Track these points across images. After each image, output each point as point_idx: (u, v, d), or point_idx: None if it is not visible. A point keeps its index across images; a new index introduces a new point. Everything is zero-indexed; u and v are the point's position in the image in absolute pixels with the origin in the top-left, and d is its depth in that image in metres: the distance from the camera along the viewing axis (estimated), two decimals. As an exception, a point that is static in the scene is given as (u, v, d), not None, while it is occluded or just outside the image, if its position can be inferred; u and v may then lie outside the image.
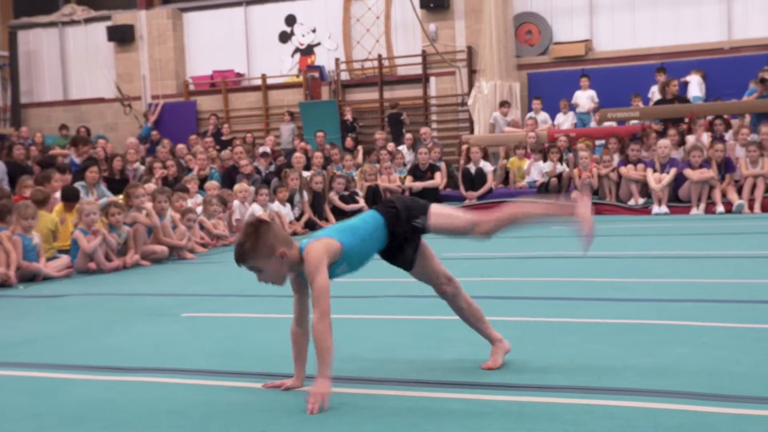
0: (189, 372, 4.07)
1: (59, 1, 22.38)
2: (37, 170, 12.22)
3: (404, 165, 15.15)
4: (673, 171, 12.73)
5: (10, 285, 7.79)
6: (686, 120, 14.29)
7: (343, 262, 3.64)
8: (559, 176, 13.72)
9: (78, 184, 11.43)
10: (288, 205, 12.36)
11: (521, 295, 6.02)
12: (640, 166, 13.10)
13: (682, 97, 15.27)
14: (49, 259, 8.70)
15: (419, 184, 14.09)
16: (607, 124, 15.30)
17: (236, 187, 12.51)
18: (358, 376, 3.83)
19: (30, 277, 8.17)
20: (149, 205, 9.61)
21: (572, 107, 16.87)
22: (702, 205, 12.44)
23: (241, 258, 3.50)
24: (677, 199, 12.86)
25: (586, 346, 4.29)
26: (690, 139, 13.65)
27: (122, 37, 21.15)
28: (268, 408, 3.40)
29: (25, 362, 4.47)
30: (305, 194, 12.91)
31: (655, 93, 15.99)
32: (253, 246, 3.47)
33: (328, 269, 3.52)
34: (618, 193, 13.32)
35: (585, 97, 16.82)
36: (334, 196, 13.53)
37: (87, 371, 4.20)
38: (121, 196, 10.05)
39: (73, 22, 22.05)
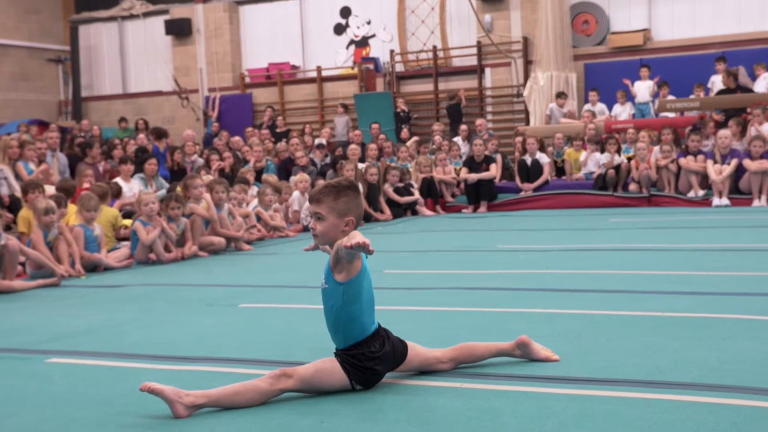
0: (247, 362, 4.11)
1: (119, -5, 22.75)
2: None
3: (460, 157, 15.09)
4: (734, 162, 12.49)
5: (76, 275, 7.95)
6: (748, 110, 14.00)
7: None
8: (617, 168, 13.55)
9: (137, 176, 11.64)
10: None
11: (580, 288, 5.96)
12: (700, 157, 12.88)
13: (744, 87, 14.95)
14: (109, 250, 8.87)
15: (474, 176, 14.03)
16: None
17: (296, 177, 12.58)
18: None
19: (91, 268, 8.33)
20: (207, 196, 9.72)
21: (630, 97, 16.62)
22: (764, 197, 12.20)
23: (316, 196, 3.51)
24: (738, 191, 12.61)
25: (646, 339, 4.23)
26: (753, 129, 13.37)
27: (180, 30, 21.40)
28: (324, 399, 3.42)
29: (88, 351, 4.56)
30: (360, 186, 12.92)
31: (715, 83, 15.69)
32: (335, 196, 3.47)
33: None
34: (677, 184, 13.11)
35: (644, 87, 16.56)
36: (388, 188, 13.53)
37: (148, 360, 4.27)
38: (178, 188, 10.17)
39: (132, 17, 22.38)
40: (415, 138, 16.86)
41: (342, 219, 3.48)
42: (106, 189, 9.79)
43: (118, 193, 10.95)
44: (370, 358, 3.47)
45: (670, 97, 15.70)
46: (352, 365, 3.46)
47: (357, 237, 3.24)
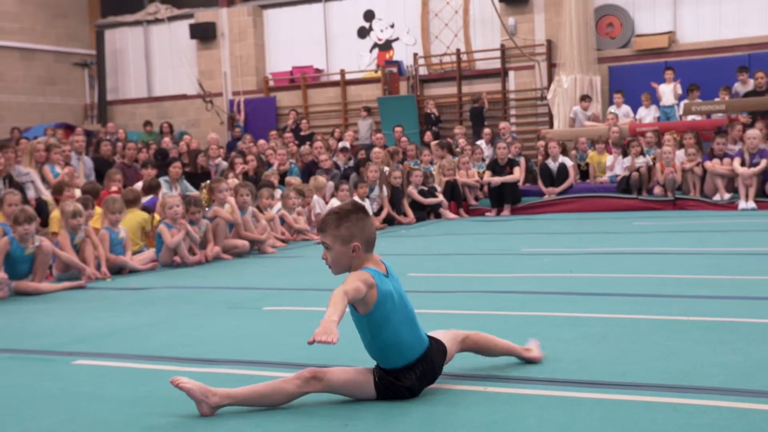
0: (271, 364, 4.12)
1: (144, 0, 22.89)
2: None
3: (483, 160, 15.07)
4: (763, 162, 12.37)
5: (102, 278, 8.01)
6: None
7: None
8: (639, 170, 13.45)
9: (162, 179, 11.71)
10: (367, 200, 12.41)
11: (604, 292, 5.93)
12: (726, 160, 12.77)
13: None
14: (135, 253, 8.93)
15: (498, 179, 13.99)
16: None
17: (313, 182, 12.57)
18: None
19: (116, 270, 8.39)
20: (231, 199, 9.76)
21: (655, 100, 16.51)
22: (792, 201, 12.08)
23: (321, 225, 3.53)
24: (765, 194, 12.49)
25: (671, 343, 4.21)
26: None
27: (204, 34, 21.51)
28: (347, 402, 3.42)
29: (113, 353, 4.59)
30: (384, 189, 12.94)
31: (738, 92, 15.50)
32: (336, 224, 3.46)
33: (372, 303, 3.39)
34: (702, 188, 13.00)
35: (669, 90, 16.44)
36: (412, 190, 13.53)
37: (172, 362, 4.29)
38: (204, 191, 10.20)
39: (157, 21, 22.51)
40: (436, 142, 16.83)
41: (347, 245, 3.46)
42: (138, 193, 9.86)
43: (156, 187, 11.07)
44: (401, 388, 3.44)
45: (696, 100, 15.58)
46: (385, 385, 3.43)
47: (321, 335, 3.08)
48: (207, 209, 9.63)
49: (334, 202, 11.85)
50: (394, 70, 19.99)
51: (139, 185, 11.12)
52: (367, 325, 3.43)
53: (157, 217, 9.73)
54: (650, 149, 13.84)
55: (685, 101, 15.65)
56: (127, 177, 12.17)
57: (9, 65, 21.15)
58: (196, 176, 12.81)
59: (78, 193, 9.80)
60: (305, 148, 15.32)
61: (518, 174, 14.24)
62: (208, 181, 10.42)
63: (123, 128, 19.89)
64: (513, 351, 3.89)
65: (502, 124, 16.65)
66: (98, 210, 9.13)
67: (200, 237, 9.18)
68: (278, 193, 11.94)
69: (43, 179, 10.98)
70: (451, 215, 13.64)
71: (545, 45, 18.41)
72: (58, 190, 9.26)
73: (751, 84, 15.26)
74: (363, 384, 3.43)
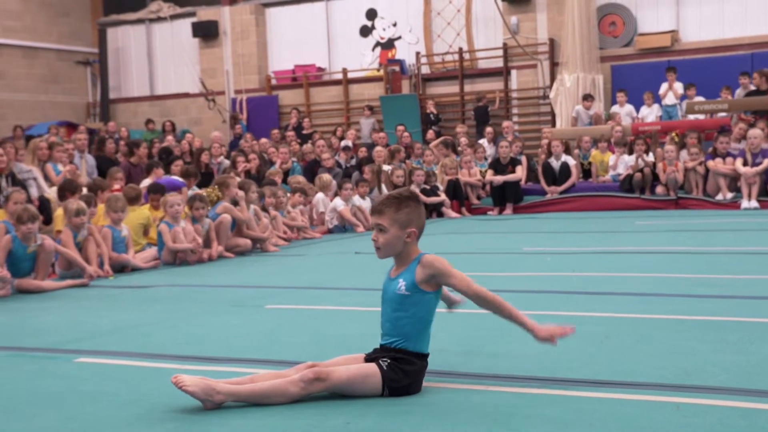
0: (273, 363, 4.11)
1: (146, -2, 22.93)
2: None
3: (485, 159, 15.06)
4: (766, 161, 12.36)
5: (104, 276, 8.01)
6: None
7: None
8: (643, 170, 13.45)
9: (164, 178, 11.71)
10: (368, 199, 12.41)
11: (606, 291, 5.92)
12: (729, 159, 12.76)
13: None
14: (137, 251, 8.93)
15: (500, 178, 13.99)
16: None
17: (322, 180, 12.56)
18: (443, 370, 3.82)
19: (119, 268, 8.39)
20: (243, 197, 9.76)
21: (657, 99, 16.50)
22: (794, 200, 12.08)
23: (378, 207, 3.56)
24: (767, 194, 12.48)
25: (674, 342, 4.20)
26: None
27: (206, 32, 21.52)
28: (351, 400, 3.42)
29: (116, 351, 4.59)
30: (384, 190, 12.94)
31: (740, 95, 15.48)
32: (396, 207, 3.51)
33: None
34: (705, 187, 12.99)
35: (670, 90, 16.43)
36: (415, 189, 13.53)
37: (174, 360, 4.29)
38: (208, 189, 10.19)
39: (159, 19, 22.53)
40: (440, 139, 16.82)
41: (404, 230, 3.52)
42: (139, 191, 9.86)
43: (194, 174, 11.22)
44: (411, 374, 3.45)
45: (698, 99, 15.57)
46: (393, 373, 3.41)
47: (558, 334, 3.44)
48: (216, 205, 9.62)
49: (337, 201, 11.85)
50: (397, 68, 20.00)
51: (145, 182, 11.11)
52: (423, 304, 3.50)
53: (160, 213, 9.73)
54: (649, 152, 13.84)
55: (686, 101, 15.64)
56: (132, 176, 12.15)
57: (12, 63, 21.17)
58: (200, 174, 12.81)
59: (85, 191, 9.80)
60: (307, 146, 15.32)
61: (520, 173, 14.23)
62: (220, 177, 10.38)
63: (125, 126, 19.91)
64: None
65: (505, 123, 16.64)
66: (101, 208, 9.12)
67: (203, 235, 9.18)
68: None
69: (46, 177, 10.99)
70: (454, 214, 13.64)
71: (548, 44, 18.41)
72: (69, 189, 9.22)
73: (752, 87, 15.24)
74: (368, 377, 3.42)
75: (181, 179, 11.02)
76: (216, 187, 9.98)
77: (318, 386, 3.37)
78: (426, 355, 3.54)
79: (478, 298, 3.49)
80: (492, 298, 3.49)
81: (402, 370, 3.44)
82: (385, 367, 3.43)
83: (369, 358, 3.54)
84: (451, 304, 3.96)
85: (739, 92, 15.46)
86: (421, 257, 3.53)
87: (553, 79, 18.14)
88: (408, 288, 3.50)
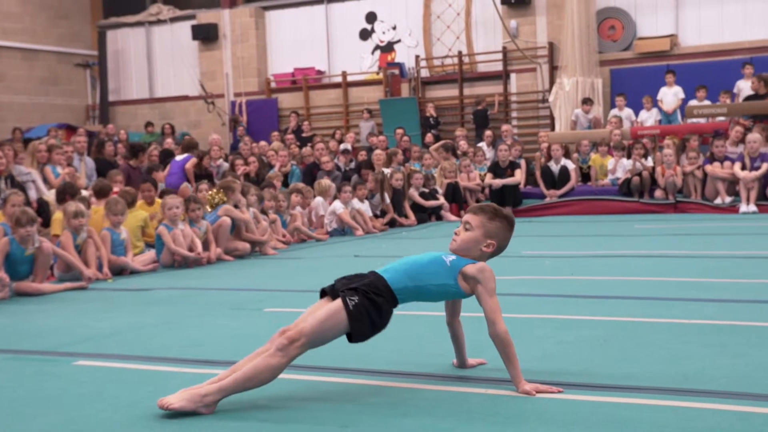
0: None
1: (146, 1, 22.91)
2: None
3: (484, 162, 15.06)
4: (764, 166, 12.37)
5: (103, 279, 8.01)
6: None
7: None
8: (642, 174, 13.45)
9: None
10: (367, 202, 12.41)
11: (605, 295, 5.92)
12: (727, 163, 12.77)
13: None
14: (136, 254, 8.92)
15: (499, 182, 14.00)
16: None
17: (321, 186, 12.54)
18: (443, 373, 3.83)
19: (118, 271, 8.39)
20: (244, 200, 9.76)
21: (656, 104, 16.51)
22: (793, 204, 12.08)
23: (475, 209, 3.71)
24: (766, 198, 12.49)
25: (673, 346, 4.20)
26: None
27: (206, 35, 21.53)
28: (353, 401, 3.42)
29: (115, 354, 4.59)
30: (386, 197, 12.92)
31: (742, 89, 15.52)
32: (491, 216, 3.65)
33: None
34: (704, 191, 13.00)
35: (671, 94, 16.45)
36: (413, 192, 13.54)
37: (173, 363, 4.29)
38: (212, 192, 10.18)
39: (159, 22, 22.54)
40: (441, 142, 16.82)
41: (486, 239, 3.62)
42: (135, 194, 9.84)
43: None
44: (380, 304, 3.47)
45: (693, 102, 15.58)
46: (363, 306, 3.42)
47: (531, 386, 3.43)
48: (217, 207, 9.62)
49: (336, 205, 11.85)
50: (396, 72, 20.01)
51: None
52: (445, 286, 3.57)
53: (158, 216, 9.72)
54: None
55: (688, 105, 15.64)
56: (132, 180, 12.12)
57: (11, 65, 21.18)
58: (199, 177, 12.81)
59: (85, 193, 9.79)
60: (306, 149, 15.32)
61: (519, 176, 14.25)
62: (224, 181, 10.36)
63: (125, 129, 19.91)
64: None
65: (505, 127, 16.66)
66: (100, 210, 9.10)
67: (201, 238, 9.17)
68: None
69: (45, 180, 10.99)
70: (453, 217, 13.65)
71: (547, 47, 18.43)
72: (68, 192, 9.19)
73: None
74: (336, 315, 3.41)
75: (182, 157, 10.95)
76: (220, 190, 9.96)
77: (295, 348, 3.37)
78: (395, 300, 3.54)
79: (497, 337, 3.49)
80: (508, 343, 3.49)
81: (369, 299, 3.45)
82: (350, 307, 3.43)
83: (332, 290, 3.56)
84: (452, 317, 3.92)
85: (741, 86, 15.43)
86: (480, 262, 3.60)
87: (552, 82, 18.16)
88: (452, 264, 3.56)
